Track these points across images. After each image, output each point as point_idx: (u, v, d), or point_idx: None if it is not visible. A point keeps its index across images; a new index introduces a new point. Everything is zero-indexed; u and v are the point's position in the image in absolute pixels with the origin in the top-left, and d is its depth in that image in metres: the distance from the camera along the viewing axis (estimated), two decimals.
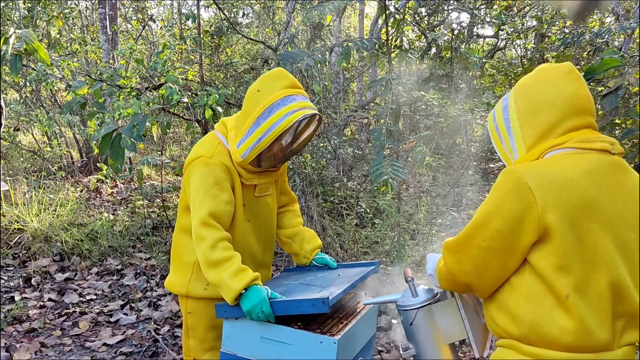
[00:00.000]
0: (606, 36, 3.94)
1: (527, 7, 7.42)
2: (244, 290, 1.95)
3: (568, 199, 1.45)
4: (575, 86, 1.57)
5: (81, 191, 6.97)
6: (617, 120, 3.22)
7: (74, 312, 4.14)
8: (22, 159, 8.15)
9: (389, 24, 3.79)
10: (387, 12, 3.61)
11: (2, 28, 7.55)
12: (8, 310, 4.03)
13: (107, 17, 8.04)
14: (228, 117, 2.26)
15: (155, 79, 4.85)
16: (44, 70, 4.93)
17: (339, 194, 5.28)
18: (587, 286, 1.47)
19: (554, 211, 1.45)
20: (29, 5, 7.67)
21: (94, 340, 3.73)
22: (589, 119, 1.57)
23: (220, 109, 4.22)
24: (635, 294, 1.52)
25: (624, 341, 1.54)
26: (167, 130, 4.10)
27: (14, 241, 5.20)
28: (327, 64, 5.16)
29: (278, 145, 2.13)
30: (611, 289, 1.48)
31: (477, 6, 6.41)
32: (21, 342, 3.65)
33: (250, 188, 2.20)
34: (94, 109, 3.96)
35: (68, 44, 8.54)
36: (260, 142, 2.05)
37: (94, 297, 4.42)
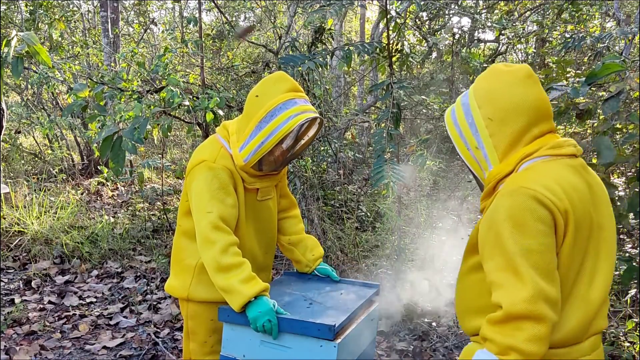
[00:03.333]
0: (607, 41, 3.94)
1: (528, 12, 7.43)
2: (253, 299, 1.94)
3: (573, 206, 1.47)
4: (536, 91, 1.56)
5: (82, 194, 6.97)
6: (618, 125, 3.21)
7: (74, 314, 4.13)
8: (23, 162, 8.15)
9: (390, 28, 3.79)
10: (388, 16, 3.62)
11: (4, 30, 7.57)
12: (8, 312, 4.03)
13: (109, 20, 8.06)
14: (229, 120, 2.27)
15: (157, 82, 4.86)
16: (46, 73, 4.94)
17: (339, 197, 5.27)
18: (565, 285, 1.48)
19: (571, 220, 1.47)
20: (31, 8, 7.69)
21: (94, 343, 3.72)
22: (551, 123, 1.58)
23: (221, 112, 4.22)
24: (603, 284, 1.54)
25: (591, 331, 1.54)
26: (168, 133, 4.10)
27: (14, 244, 5.20)
28: (328, 67, 5.16)
29: (279, 149, 2.13)
30: (586, 284, 1.52)
31: (478, 11, 6.42)
32: (21, 344, 3.64)
33: (252, 192, 2.20)
34: (95, 111, 3.96)
35: (70, 47, 8.56)
36: (262, 146, 2.05)
37: (94, 299, 4.41)
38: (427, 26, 6.64)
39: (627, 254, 3.65)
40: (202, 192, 2.06)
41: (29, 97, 8.68)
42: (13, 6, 8.24)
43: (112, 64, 7.54)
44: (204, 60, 6.10)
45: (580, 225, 1.48)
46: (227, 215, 2.05)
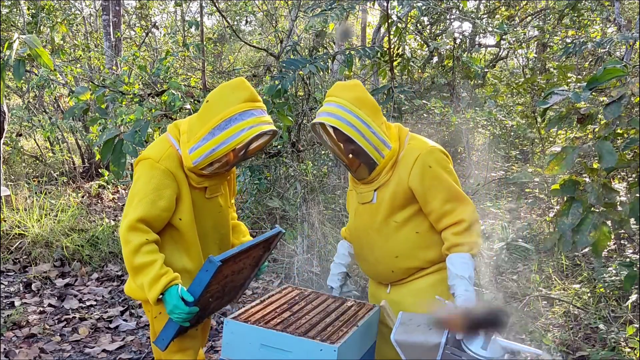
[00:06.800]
0: (608, 46, 3.94)
1: (529, 17, 7.46)
2: (161, 296, 2.02)
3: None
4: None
5: (82, 197, 6.97)
6: (619, 130, 3.21)
7: (74, 317, 4.13)
8: (24, 165, 8.16)
9: (391, 33, 3.81)
10: (389, 21, 3.63)
11: (6, 33, 7.59)
12: (8, 315, 4.02)
13: (111, 23, 8.07)
14: (182, 120, 2.27)
15: (158, 86, 4.87)
16: (47, 76, 4.95)
17: (340, 201, 5.27)
18: None
19: None
20: (33, 11, 7.72)
21: (94, 347, 3.72)
22: None
23: None
24: None
25: None
26: None
27: (14, 246, 5.20)
28: (329, 71, 5.18)
29: (232, 153, 2.16)
30: None
31: (479, 15, 6.44)
32: (20, 347, 3.64)
33: (200, 190, 2.21)
34: (97, 114, 3.97)
35: (71, 50, 8.58)
36: (213, 152, 2.09)
37: (94, 303, 4.41)
38: (428, 31, 6.66)
39: (628, 260, 3.64)
40: (137, 191, 2.10)
41: (31, 100, 8.70)
42: (15, 9, 8.27)
43: (114, 67, 7.56)
44: (205, 64, 6.11)
45: None
46: (153, 217, 2.08)
